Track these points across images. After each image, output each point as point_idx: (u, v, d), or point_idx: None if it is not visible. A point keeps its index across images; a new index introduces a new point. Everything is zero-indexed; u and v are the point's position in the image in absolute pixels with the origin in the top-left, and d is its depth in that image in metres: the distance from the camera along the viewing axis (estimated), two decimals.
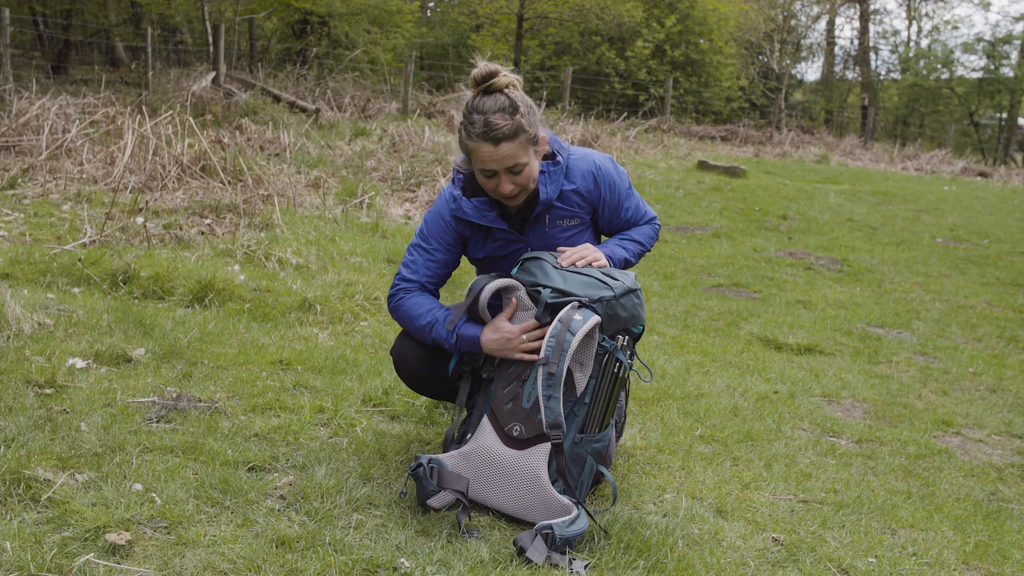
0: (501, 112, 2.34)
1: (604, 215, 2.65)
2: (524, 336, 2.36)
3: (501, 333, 2.38)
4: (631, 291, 2.39)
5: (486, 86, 2.39)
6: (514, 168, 2.39)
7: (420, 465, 2.31)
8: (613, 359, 2.35)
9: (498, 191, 2.44)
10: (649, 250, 2.75)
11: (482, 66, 2.40)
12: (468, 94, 2.44)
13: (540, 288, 2.37)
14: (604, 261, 2.50)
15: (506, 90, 2.39)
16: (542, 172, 2.51)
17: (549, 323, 2.35)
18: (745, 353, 4.40)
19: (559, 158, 2.54)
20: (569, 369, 2.33)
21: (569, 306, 2.30)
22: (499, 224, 2.53)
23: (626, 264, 2.64)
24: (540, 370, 2.24)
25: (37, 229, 5.32)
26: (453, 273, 2.70)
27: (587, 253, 2.49)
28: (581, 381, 2.34)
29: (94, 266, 4.46)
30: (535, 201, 2.54)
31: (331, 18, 19.55)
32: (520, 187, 2.44)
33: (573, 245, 2.58)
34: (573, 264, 2.45)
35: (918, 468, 3.09)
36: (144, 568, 1.95)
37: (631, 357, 2.43)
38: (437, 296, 2.63)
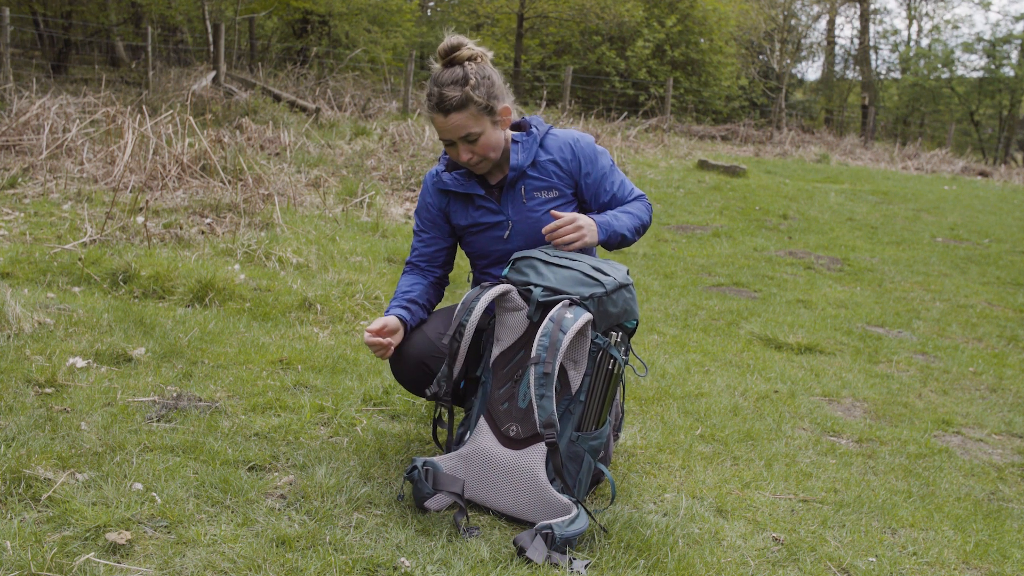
0: (453, 84, 2.45)
1: (588, 189, 2.65)
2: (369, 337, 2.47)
3: (376, 338, 2.48)
4: (622, 286, 2.38)
5: (448, 59, 2.49)
6: (468, 137, 2.49)
7: (415, 468, 2.31)
8: (607, 356, 2.34)
9: (458, 159, 2.55)
10: (648, 224, 2.73)
11: (446, 40, 2.50)
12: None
13: (531, 287, 2.38)
14: (587, 240, 2.48)
15: (467, 63, 2.48)
16: (515, 142, 2.60)
17: (540, 322, 2.34)
18: (745, 352, 4.40)
19: (534, 130, 2.63)
20: (563, 367, 2.33)
21: (560, 304, 2.29)
22: (476, 189, 2.62)
23: (623, 240, 2.61)
24: (532, 370, 2.24)
25: (37, 228, 5.32)
26: (450, 276, 2.76)
27: (569, 229, 2.47)
28: (576, 379, 2.33)
29: (94, 265, 4.46)
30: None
31: (331, 17, 19.56)
32: (479, 156, 2.53)
33: (552, 219, 2.57)
34: (554, 237, 2.47)
35: (918, 467, 3.09)
36: (144, 567, 1.96)
37: (626, 352, 2.43)
38: (434, 274, 2.75)
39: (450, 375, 2.44)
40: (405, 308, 2.63)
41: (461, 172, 2.66)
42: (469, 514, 2.34)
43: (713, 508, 2.56)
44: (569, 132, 2.68)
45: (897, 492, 2.83)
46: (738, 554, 2.28)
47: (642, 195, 2.76)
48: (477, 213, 2.65)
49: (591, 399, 2.35)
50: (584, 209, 2.70)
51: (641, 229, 2.69)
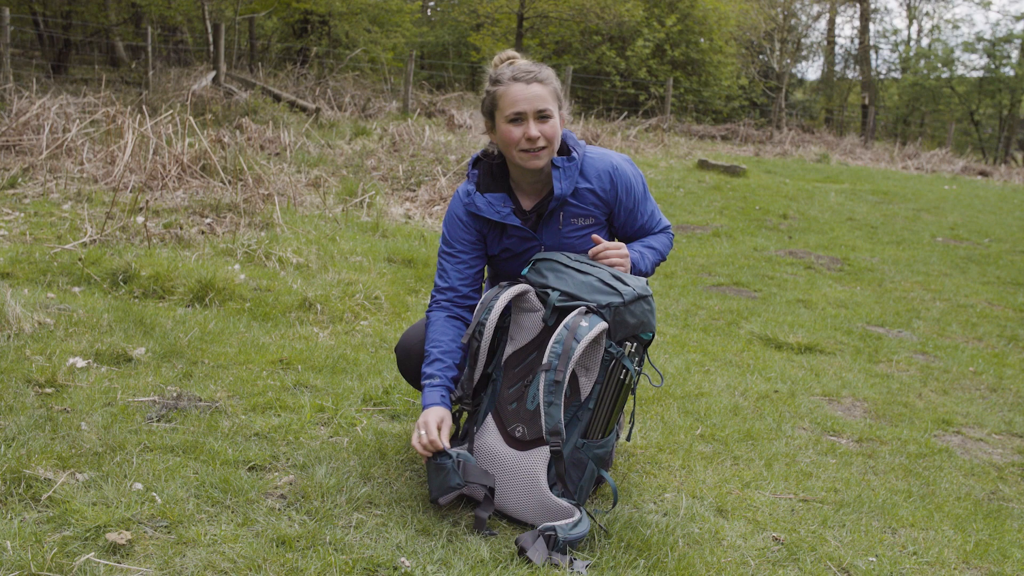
0: (535, 65, 2.46)
1: (620, 217, 2.61)
2: (421, 446, 2.30)
3: (422, 431, 2.32)
4: (641, 297, 2.36)
5: (509, 62, 2.52)
6: (544, 112, 2.40)
7: (448, 457, 2.27)
8: (620, 366, 2.33)
9: (526, 137, 2.39)
10: (664, 260, 2.72)
11: (504, 52, 2.55)
12: (469, 95, 2.48)
13: (549, 290, 2.37)
14: (627, 266, 2.48)
15: None
16: (556, 167, 2.48)
17: (555, 326, 2.34)
18: (745, 352, 4.40)
19: (574, 154, 2.52)
20: (574, 373, 2.31)
21: (576, 311, 2.28)
22: (512, 220, 2.51)
23: (641, 276, 2.61)
24: (543, 376, 2.23)
25: (37, 228, 5.32)
26: None
27: (613, 253, 2.47)
28: (586, 386, 2.32)
29: (94, 265, 4.46)
30: (549, 197, 2.53)
31: (331, 17, 19.56)
32: (547, 139, 2.42)
33: (587, 244, 2.56)
34: (597, 255, 2.46)
35: (918, 467, 3.09)
36: (144, 567, 1.96)
37: (639, 364, 2.40)
38: (474, 299, 2.59)
39: (471, 378, 2.42)
40: (450, 389, 2.46)
41: (496, 195, 2.53)
42: (491, 512, 2.32)
43: (713, 508, 2.56)
44: (606, 157, 2.57)
45: (897, 492, 2.83)
46: (738, 554, 2.28)
47: (667, 227, 2.74)
48: (510, 241, 2.58)
49: (599, 407, 2.34)
50: (612, 231, 2.69)
51: (660, 263, 2.70)
